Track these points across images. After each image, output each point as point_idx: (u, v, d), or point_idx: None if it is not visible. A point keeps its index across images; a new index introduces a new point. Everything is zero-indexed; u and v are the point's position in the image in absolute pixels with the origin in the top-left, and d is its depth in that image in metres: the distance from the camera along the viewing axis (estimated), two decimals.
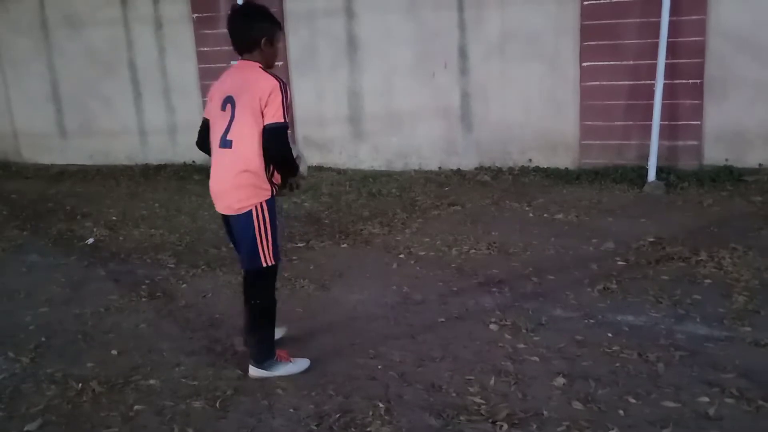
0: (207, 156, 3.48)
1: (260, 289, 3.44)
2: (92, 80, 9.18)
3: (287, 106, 3.19)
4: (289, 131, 3.27)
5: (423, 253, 5.31)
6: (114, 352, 3.91)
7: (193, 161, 8.87)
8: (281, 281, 4.86)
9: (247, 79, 3.22)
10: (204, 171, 8.43)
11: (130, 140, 9.20)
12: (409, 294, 4.54)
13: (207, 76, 8.54)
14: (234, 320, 4.21)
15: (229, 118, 3.23)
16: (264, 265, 3.35)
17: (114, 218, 6.75)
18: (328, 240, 5.74)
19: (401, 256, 5.27)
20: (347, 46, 8.02)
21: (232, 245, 3.63)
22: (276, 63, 3.45)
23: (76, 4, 9.04)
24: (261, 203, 3.29)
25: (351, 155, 8.26)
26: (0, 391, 3.51)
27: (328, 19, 8.00)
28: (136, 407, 3.31)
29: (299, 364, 3.57)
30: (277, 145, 3.22)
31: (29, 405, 3.37)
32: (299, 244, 5.65)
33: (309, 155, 8.38)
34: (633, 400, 3.14)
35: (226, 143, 3.25)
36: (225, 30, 3.39)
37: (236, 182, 3.26)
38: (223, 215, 3.44)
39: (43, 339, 4.12)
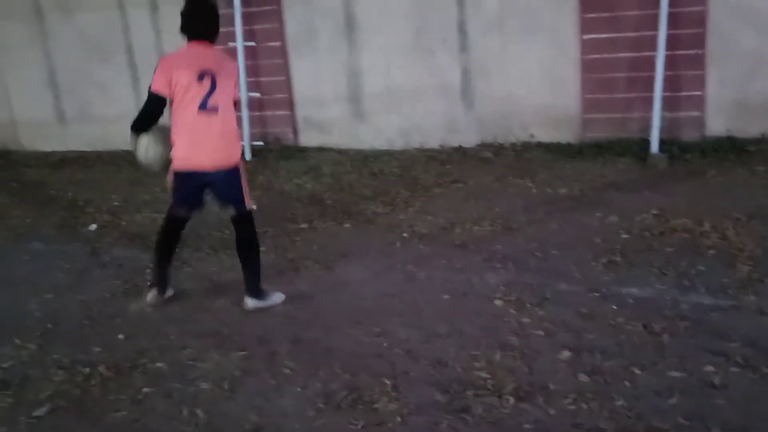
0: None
1: (249, 229, 4.10)
2: (89, 65, 9.10)
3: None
4: None
5: (426, 231, 5.30)
6: (120, 336, 3.92)
7: None
8: (285, 262, 4.88)
9: (221, 58, 3.97)
10: None
11: (129, 125, 9.14)
12: (414, 272, 4.54)
13: None
14: (239, 301, 4.22)
15: (209, 88, 3.82)
16: (248, 208, 4.06)
17: (116, 204, 6.73)
18: (330, 221, 5.73)
19: (404, 234, 5.27)
20: (345, 25, 7.95)
21: (177, 200, 4.07)
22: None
23: None
24: (241, 157, 4.05)
25: (351, 135, 8.21)
26: (8, 378, 3.53)
27: None
28: (144, 390, 3.33)
29: (279, 295, 4.21)
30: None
31: (38, 391, 3.39)
32: (302, 225, 5.64)
33: (309, 136, 8.37)
34: (638, 371, 3.15)
35: (210, 108, 3.84)
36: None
37: (230, 140, 3.93)
38: (190, 174, 3.91)
39: (49, 325, 4.13)
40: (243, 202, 4.02)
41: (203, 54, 3.89)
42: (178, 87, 3.82)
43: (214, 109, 3.83)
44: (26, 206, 6.91)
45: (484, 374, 3.22)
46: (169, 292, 4.33)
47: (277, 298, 4.18)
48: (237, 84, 4.00)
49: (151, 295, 4.24)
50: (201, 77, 3.81)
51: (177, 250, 4.32)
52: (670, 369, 3.16)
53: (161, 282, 4.25)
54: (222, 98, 3.84)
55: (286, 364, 3.45)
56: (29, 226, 6.28)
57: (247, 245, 4.11)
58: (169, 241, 4.21)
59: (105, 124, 9.21)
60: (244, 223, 4.07)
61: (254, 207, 6.16)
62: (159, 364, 3.56)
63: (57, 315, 4.28)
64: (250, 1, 8.01)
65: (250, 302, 4.11)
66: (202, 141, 3.86)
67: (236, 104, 3.99)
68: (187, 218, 4.17)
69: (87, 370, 3.54)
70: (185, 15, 3.92)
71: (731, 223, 4.86)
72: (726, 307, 3.70)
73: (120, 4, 8.79)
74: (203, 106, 3.81)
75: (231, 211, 4.07)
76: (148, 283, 4.33)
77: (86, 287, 4.71)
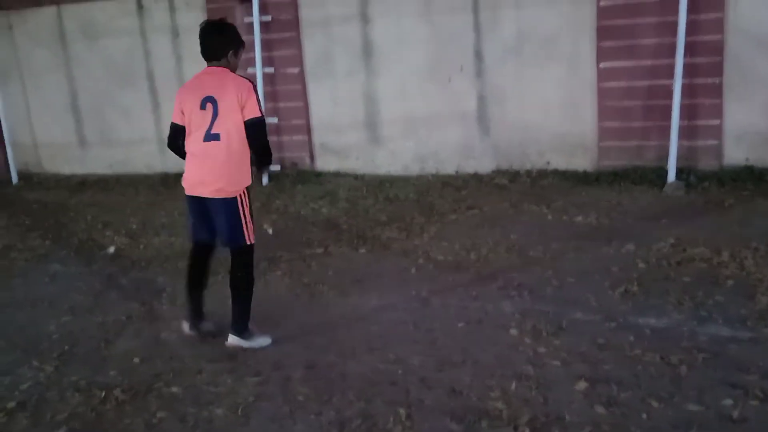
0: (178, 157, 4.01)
1: (244, 264, 3.90)
2: (111, 90, 9.26)
3: (260, 103, 3.79)
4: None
5: (441, 257, 5.30)
6: (136, 359, 3.94)
7: None
8: (300, 287, 4.89)
9: (224, 81, 3.76)
10: None
11: (148, 149, 9.26)
12: (428, 299, 4.54)
13: None
14: (253, 326, 4.22)
15: (211, 116, 3.73)
16: (247, 242, 3.86)
17: (134, 227, 6.80)
18: (346, 245, 5.74)
19: (420, 260, 5.27)
20: (362, 51, 8.04)
21: (192, 226, 4.02)
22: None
23: (94, 14, 9.14)
24: (245, 190, 3.83)
25: (368, 160, 8.26)
26: (25, 400, 3.56)
27: (343, 25, 8.02)
28: (159, 414, 3.34)
29: (266, 338, 3.99)
30: (257, 135, 3.78)
31: (54, 413, 3.41)
32: (317, 250, 5.66)
33: (326, 161, 8.43)
34: (656, 404, 3.12)
35: (212, 137, 3.74)
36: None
37: (229, 170, 3.76)
38: (195, 199, 3.86)
39: (66, 347, 4.17)
40: (239, 236, 3.82)
41: (208, 79, 3.81)
42: (185, 116, 3.83)
43: (216, 137, 3.72)
44: (46, 228, 6.99)
45: (499, 404, 3.20)
46: (207, 326, 4.12)
47: (262, 341, 3.95)
48: (249, 103, 3.71)
49: (184, 327, 4.13)
50: (203, 105, 3.74)
51: (206, 283, 4.12)
52: (687, 401, 3.12)
53: (192, 313, 4.09)
54: (224, 125, 3.71)
55: (300, 390, 3.44)
56: (49, 247, 6.35)
57: (237, 281, 3.91)
58: (193, 269, 4.06)
59: (125, 147, 9.35)
60: (238, 258, 3.89)
61: (270, 231, 6.22)
62: (174, 389, 3.57)
63: (74, 337, 4.32)
64: (269, 28, 8.13)
65: (231, 339, 3.91)
66: (202, 168, 3.78)
67: (255, 124, 3.73)
68: (208, 247, 4.03)
69: (102, 393, 3.55)
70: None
71: (750, 253, 4.82)
72: (745, 339, 3.66)
73: (142, 31, 8.95)
74: (207, 134, 3.74)
75: (228, 246, 3.91)
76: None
77: (104, 309, 4.75)
